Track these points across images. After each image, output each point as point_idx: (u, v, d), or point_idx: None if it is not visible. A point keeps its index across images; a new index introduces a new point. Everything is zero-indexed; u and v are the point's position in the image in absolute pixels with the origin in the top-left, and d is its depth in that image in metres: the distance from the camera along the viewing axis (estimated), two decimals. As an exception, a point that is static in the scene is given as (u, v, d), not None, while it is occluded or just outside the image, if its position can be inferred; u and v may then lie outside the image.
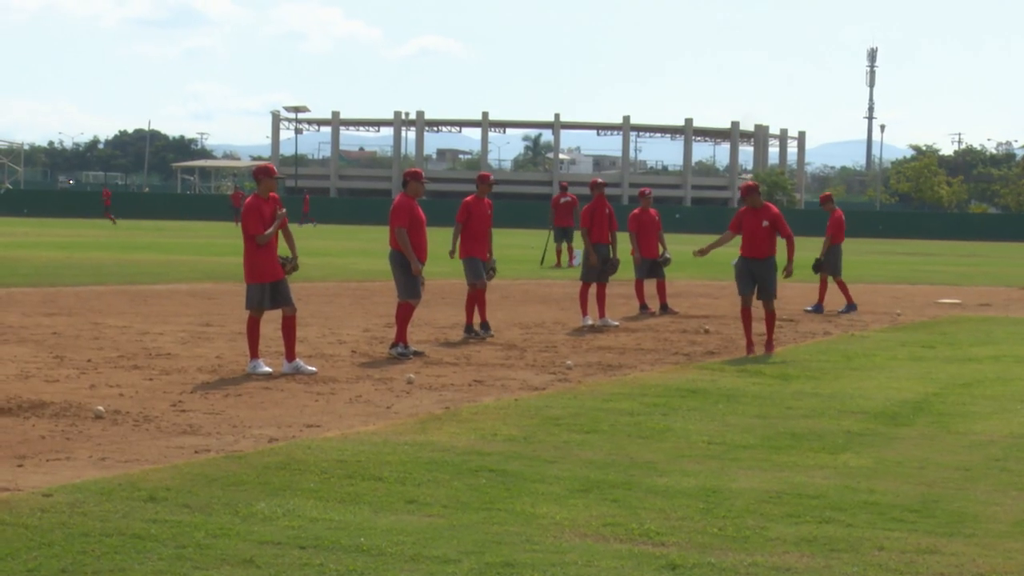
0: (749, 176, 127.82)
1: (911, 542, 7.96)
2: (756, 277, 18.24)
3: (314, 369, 15.08)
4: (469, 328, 19.08)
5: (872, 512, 8.69)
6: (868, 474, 9.96)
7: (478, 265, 19.09)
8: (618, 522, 8.28)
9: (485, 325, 19.16)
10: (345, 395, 13.51)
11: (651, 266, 24.06)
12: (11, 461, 9.80)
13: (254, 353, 15.11)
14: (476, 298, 19.11)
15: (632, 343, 18.94)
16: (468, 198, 19.24)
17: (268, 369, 14.93)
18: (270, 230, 15.07)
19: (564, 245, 38.65)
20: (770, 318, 18.32)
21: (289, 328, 15.21)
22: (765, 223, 18.10)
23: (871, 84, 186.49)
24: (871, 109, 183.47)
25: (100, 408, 11.97)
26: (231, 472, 9.43)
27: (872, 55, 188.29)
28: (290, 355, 15.17)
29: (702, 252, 18.90)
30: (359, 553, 7.44)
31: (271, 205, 15.21)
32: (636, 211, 24.25)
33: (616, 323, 21.40)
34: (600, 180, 22.45)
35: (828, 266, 25.09)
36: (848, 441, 11.36)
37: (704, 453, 10.67)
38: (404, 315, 16.89)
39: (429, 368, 15.70)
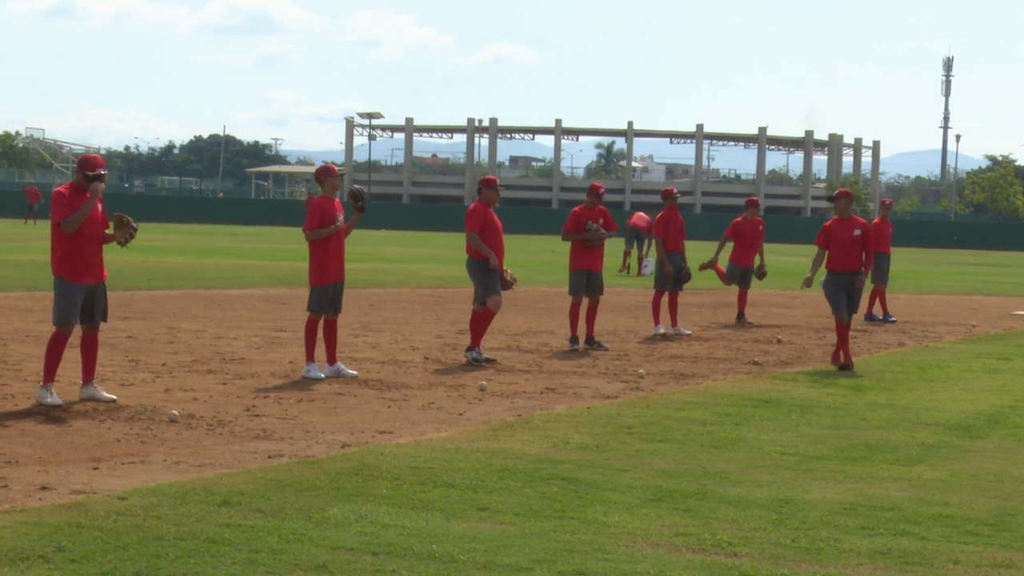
0: (823, 185, 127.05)
1: (986, 556, 7.88)
2: (846, 292, 17.44)
3: (323, 375, 15.07)
4: (590, 339, 18.86)
5: (947, 525, 8.62)
6: (943, 487, 9.88)
7: (581, 278, 18.94)
8: (690, 532, 8.25)
9: (590, 339, 18.89)
10: (417, 401, 13.55)
11: (742, 274, 23.98)
12: (87, 464, 9.90)
13: (310, 356, 15.18)
14: (576, 311, 18.94)
15: (704, 352, 18.87)
16: (576, 208, 18.95)
17: (322, 375, 15.01)
18: (326, 229, 15.14)
19: (633, 253, 38.37)
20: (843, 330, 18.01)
21: (332, 331, 15.40)
22: (857, 232, 17.39)
23: (947, 94, 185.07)
24: (946, 119, 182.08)
25: (175, 412, 12.06)
26: (304, 477, 9.47)
27: (948, 64, 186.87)
28: (332, 358, 15.35)
29: (808, 282, 17.92)
30: (431, 560, 7.45)
31: (337, 206, 15.32)
32: (739, 219, 24.23)
33: (688, 332, 21.33)
34: (673, 190, 22.29)
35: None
36: (922, 453, 11.27)
37: (777, 463, 10.62)
38: (483, 320, 16.88)
39: (501, 375, 15.71)
